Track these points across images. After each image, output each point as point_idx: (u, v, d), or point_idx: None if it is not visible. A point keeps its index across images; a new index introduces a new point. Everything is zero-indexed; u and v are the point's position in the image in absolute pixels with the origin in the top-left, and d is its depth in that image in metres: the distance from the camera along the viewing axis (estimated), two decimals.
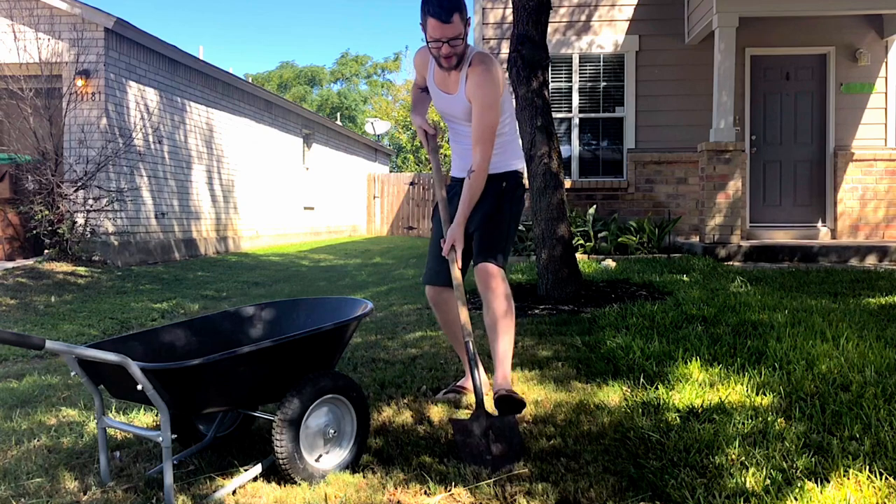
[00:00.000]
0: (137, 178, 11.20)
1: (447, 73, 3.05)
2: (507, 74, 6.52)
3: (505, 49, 9.58)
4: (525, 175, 3.35)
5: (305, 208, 18.75)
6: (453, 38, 2.86)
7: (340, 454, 2.61)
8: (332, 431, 2.58)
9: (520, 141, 3.30)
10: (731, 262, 8.10)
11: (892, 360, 3.42)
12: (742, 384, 3.20)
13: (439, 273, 3.24)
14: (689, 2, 9.68)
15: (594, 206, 9.60)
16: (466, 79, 2.98)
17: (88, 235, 9.53)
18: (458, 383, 3.42)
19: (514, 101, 5.93)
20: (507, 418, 2.70)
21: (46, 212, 8.97)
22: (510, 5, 6.32)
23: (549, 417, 3.02)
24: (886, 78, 9.68)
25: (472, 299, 5.84)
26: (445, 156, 29.67)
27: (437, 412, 3.14)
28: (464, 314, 2.94)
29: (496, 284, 3.03)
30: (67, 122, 9.87)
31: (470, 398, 3.32)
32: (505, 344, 3.02)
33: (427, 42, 2.94)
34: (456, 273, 2.99)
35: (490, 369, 3.29)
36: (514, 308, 3.09)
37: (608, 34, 10.01)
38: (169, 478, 2.27)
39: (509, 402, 2.78)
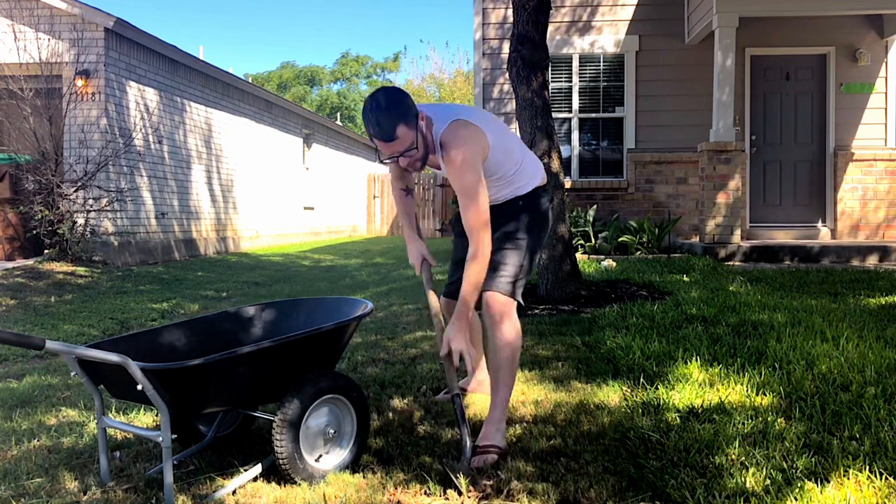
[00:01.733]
0: (137, 179, 11.20)
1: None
2: (507, 75, 6.52)
3: (505, 49, 9.59)
4: (544, 183, 2.99)
5: (305, 208, 18.75)
6: (406, 150, 2.59)
7: (340, 454, 2.61)
8: (332, 431, 2.58)
9: (529, 161, 2.97)
10: (731, 262, 8.10)
11: (892, 360, 3.42)
12: (742, 384, 3.20)
13: (452, 286, 3.15)
14: (689, 2, 9.68)
15: (594, 206, 9.60)
16: (443, 161, 2.71)
17: (88, 235, 9.53)
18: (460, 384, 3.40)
19: (513, 101, 5.93)
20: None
21: (46, 212, 8.96)
22: (511, 5, 6.32)
23: (549, 417, 3.02)
24: (886, 78, 9.69)
25: None
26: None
27: (437, 412, 3.14)
28: (451, 373, 2.73)
29: (497, 312, 2.77)
30: (67, 122, 9.87)
31: (471, 399, 3.32)
32: (502, 397, 2.78)
33: (381, 161, 2.74)
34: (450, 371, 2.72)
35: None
36: (517, 343, 2.82)
37: (608, 34, 10.01)
38: (169, 478, 2.27)
39: (481, 460, 2.58)
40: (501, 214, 2.86)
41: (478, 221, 2.63)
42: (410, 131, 2.57)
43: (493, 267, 2.78)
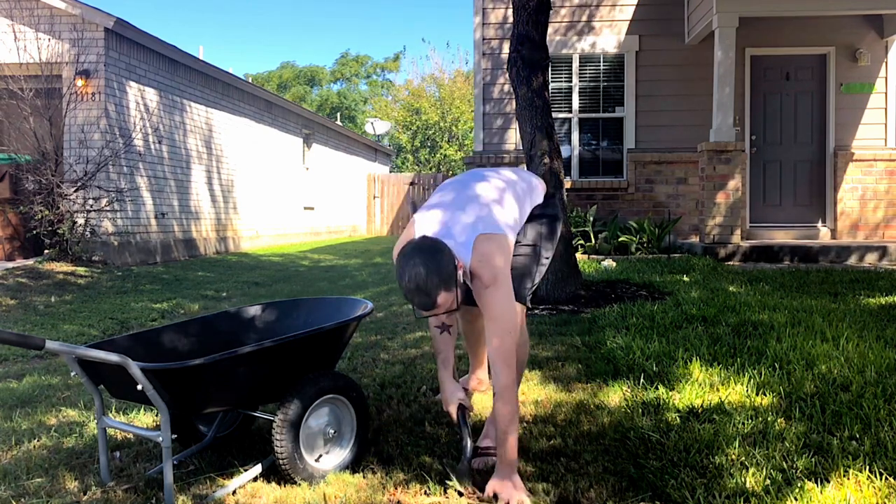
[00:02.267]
0: (137, 179, 11.20)
1: None
2: (507, 75, 6.52)
3: (506, 49, 9.58)
4: (546, 192, 2.87)
5: (305, 208, 18.75)
6: (447, 310, 2.40)
7: (340, 454, 2.61)
8: (332, 431, 2.58)
9: (535, 188, 2.87)
10: (731, 262, 8.10)
11: (892, 360, 3.42)
12: (742, 384, 3.20)
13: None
14: (689, 2, 9.68)
15: (594, 206, 9.60)
16: (472, 281, 2.51)
17: (88, 235, 9.53)
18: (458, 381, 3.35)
19: (513, 101, 5.92)
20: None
21: (46, 212, 8.96)
22: (511, 5, 6.32)
23: (550, 417, 3.02)
24: (886, 78, 9.68)
25: None
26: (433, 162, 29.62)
27: (437, 412, 3.14)
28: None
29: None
30: (67, 122, 9.87)
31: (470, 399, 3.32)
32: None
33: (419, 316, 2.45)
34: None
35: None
36: (526, 352, 2.78)
37: (608, 34, 10.01)
38: (169, 478, 2.27)
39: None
40: None
41: (507, 350, 2.42)
42: (451, 292, 2.34)
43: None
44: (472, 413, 2.85)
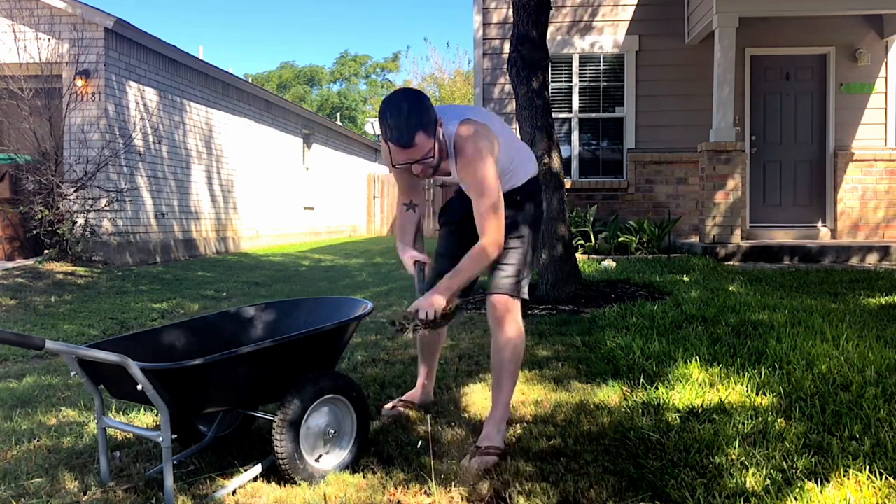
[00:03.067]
0: (137, 179, 11.21)
1: None
2: (507, 75, 6.53)
3: (506, 49, 9.59)
4: (537, 173, 2.97)
5: (305, 208, 18.75)
6: (423, 158, 2.50)
7: (340, 454, 2.61)
8: (332, 431, 2.58)
9: (523, 152, 2.97)
10: (731, 262, 8.10)
11: (892, 360, 3.42)
12: (742, 384, 3.20)
13: (431, 284, 3.08)
14: (689, 2, 9.68)
15: (594, 206, 9.60)
16: (457, 164, 2.66)
17: (88, 235, 9.53)
18: (403, 397, 3.24)
19: (513, 101, 5.92)
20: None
21: (46, 212, 8.96)
22: (511, 5, 6.32)
23: (549, 417, 3.02)
24: (886, 78, 9.69)
25: (457, 301, 5.84)
26: None
27: (437, 412, 3.14)
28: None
29: (501, 314, 2.74)
30: (67, 122, 9.87)
31: (470, 398, 3.31)
32: (503, 399, 2.77)
33: (392, 164, 2.55)
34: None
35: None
36: (523, 348, 2.83)
37: (608, 34, 10.01)
38: (169, 478, 2.27)
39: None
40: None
41: (494, 212, 2.59)
42: (429, 139, 2.48)
43: (496, 266, 2.76)
44: (428, 265, 2.91)
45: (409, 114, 2.45)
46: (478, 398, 3.31)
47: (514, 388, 2.87)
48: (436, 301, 2.55)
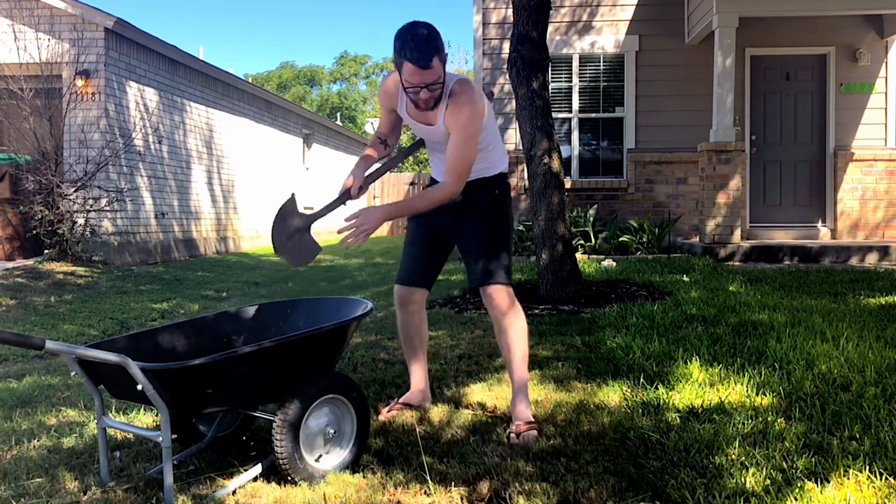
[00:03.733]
0: (137, 179, 11.21)
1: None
2: (507, 75, 6.53)
3: (506, 49, 9.58)
4: (515, 174, 3.24)
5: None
6: (432, 83, 2.67)
7: (340, 454, 2.61)
8: (332, 431, 2.58)
9: (500, 144, 3.14)
10: (731, 262, 8.10)
11: (892, 360, 3.42)
12: (742, 384, 3.20)
13: (413, 273, 3.16)
14: (689, 2, 9.68)
15: (594, 206, 9.60)
16: (446, 108, 2.80)
17: (88, 235, 9.53)
18: (400, 399, 3.24)
19: (513, 101, 5.92)
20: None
21: (46, 212, 8.96)
22: (511, 5, 6.33)
23: (550, 417, 3.02)
24: (886, 78, 9.69)
25: (458, 302, 5.84)
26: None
27: (437, 412, 3.14)
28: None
29: (503, 303, 2.92)
30: (67, 122, 9.87)
31: (471, 396, 3.31)
32: (518, 361, 2.97)
33: (403, 86, 2.71)
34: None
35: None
36: (525, 324, 3.00)
37: (608, 34, 10.01)
38: (169, 478, 2.27)
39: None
40: (478, 204, 2.96)
41: (464, 166, 2.77)
42: (441, 66, 2.66)
43: (490, 258, 2.93)
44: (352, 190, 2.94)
45: (429, 37, 2.63)
46: (478, 398, 3.31)
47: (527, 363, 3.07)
48: (374, 215, 2.72)
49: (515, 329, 2.95)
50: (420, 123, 2.94)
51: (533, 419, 2.90)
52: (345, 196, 2.92)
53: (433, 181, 3.16)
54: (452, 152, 2.78)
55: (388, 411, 3.14)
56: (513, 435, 2.78)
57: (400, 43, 2.64)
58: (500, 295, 2.92)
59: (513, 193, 8.11)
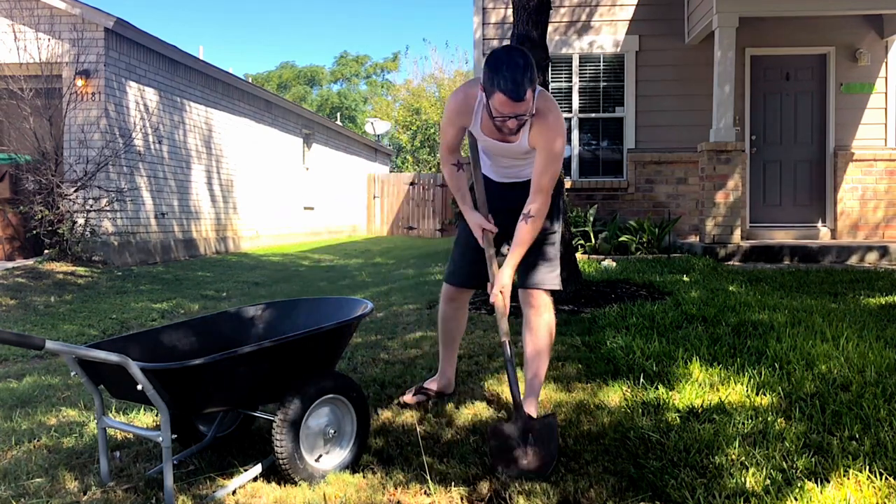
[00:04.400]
0: (137, 179, 11.21)
1: None
2: None
3: None
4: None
5: (305, 208, 18.75)
6: (523, 114, 2.60)
7: (341, 454, 2.61)
8: (332, 431, 2.58)
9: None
10: (731, 262, 8.10)
11: (892, 360, 3.42)
12: (742, 384, 3.20)
13: (467, 278, 3.19)
14: (689, 2, 9.68)
15: (594, 206, 9.60)
16: (531, 128, 2.74)
17: (88, 235, 9.53)
18: (424, 384, 3.34)
19: None
20: (548, 420, 2.65)
21: (46, 212, 8.96)
22: (511, 5, 6.32)
23: None
24: (886, 78, 9.68)
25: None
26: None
27: (437, 412, 3.14)
28: (503, 325, 2.86)
29: (548, 310, 2.99)
30: (67, 122, 9.87)
31: (469, 395, 3.32)
32: (542, 374, 3.01)
33: (490, 112, 2.62)
34: (501, 309, 2.85)
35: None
36: (553, 333, 3.05)
37: (608, 34, 10.01)
38: (169, 478, 2.27)
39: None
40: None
41: (552, 185, 2.82)
42: (533, 97, 2.60)
43: (540, 262, 2.99)
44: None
45: (525, 69, 2.53)
46: (478, 398, 3.31)
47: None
48: (505, 276, 2.83)
49: (548, 330, 3.00)
50: (496, 141, 2.86)
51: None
52: (490, 238, 2.98)
53: (485, 179, 3.11)
54: (542, 171, 2.78)
55: (413, 395, 3.25)
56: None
57: (493, 71, 2.55)
58: (541, 297, 3.00)
59: None
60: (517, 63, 2.53)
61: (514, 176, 3.02)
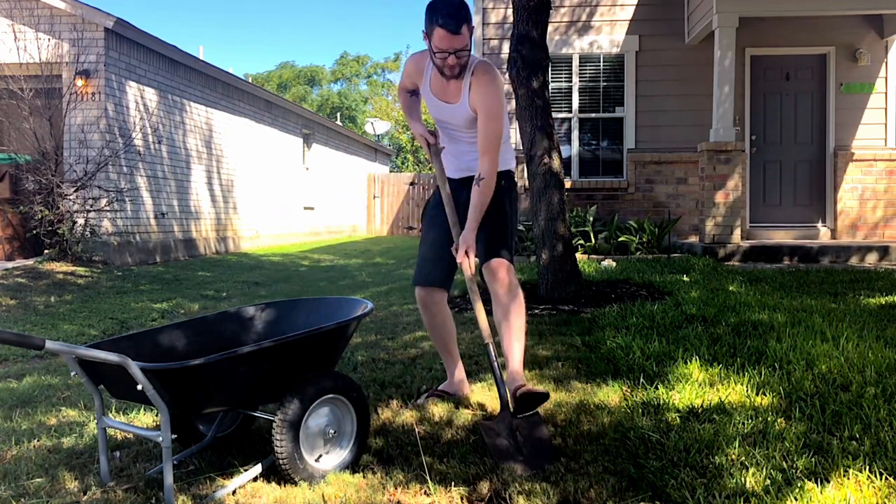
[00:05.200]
0: (137, 179, 11.21)
1: (446, 83, 3.02)
2: (506, 75, 6.53)
3: (505, 49, 9.58)
4: (517, 173, 3.39)
5: (305, 208, 18.75)
6: (460, 50, 2.85)
7: (340, 454, 2.61)
8: (332, 431, 2.58)
9: (510, 145, 3.33)
10: (730, 262, 8.10)
11: (892, 360, 3.42)
12: (742, 384, 3.20)
13: (430, 274, 3.24)
14: (689, 2, 9.68)
15: (594, 206, 9.60)
16: (470, 88, 2.98)
17: (88, 235, 9.53)
18: (439, 387, 3.38)
19: (513, 101, 5.92)
20: (531, 419, 2.75)
21: (46, 212, 8.96)
22: (511, 5, 6.33)
23: (549, 417, 3.01)
24: (886, 78, 9.69)
25: (458, 302, 5.84)
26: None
27: (437, 412, 3.14)
28: (481, 317, 2.96)
29: (505, 276, 3.06)
30: (67, 122, 9.87)
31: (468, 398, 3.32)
32: (516, 337, 3.04)
33: (433, 52, 2.90)
34: (468, 272, 2.99)
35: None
36: (524, 302, 3.11)
37: (608, 34, 10.01)
38: (169, 478, 2.27)
39: (530, 398, 2.80)
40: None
41: (494, 143, 2.97)
42: (469, 34, 2.86)
43: (494, 240, 3.10)
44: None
45: (459, 6, 2.84)
46: (478, 398, 3.31)
47: (524, 337, 3.15)
48: (468, 236, 2.96)
49: (518, 302, 3.06)
50: (442, 102, 3.08)
51: (526, 387, 2.90)
52: (435, 145, 3.19)
53: (451, 180, 3.24)
54: (483, 130, 2.95)
55: (427, 397, 3.28)
56: (514, 394, 2.84)
57: (430, 10, 2.84)
58: (502, 269, 3.06)
59: None
60: (453, 1, 2.83)
61: (467, 168, 3.16)
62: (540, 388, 2.94)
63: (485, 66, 3.00)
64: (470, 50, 2.90)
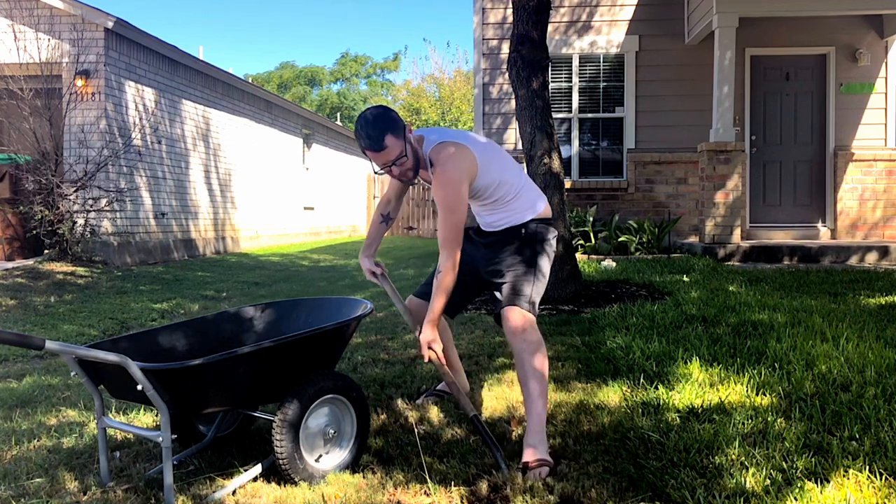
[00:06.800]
0: (137, 179, 11.20)
1: (427, 172, 2.83)
2: (507, 75, 6.53)
3: (505, 49, 9.58)
4: (549, 216, 3.00)
5: (305, 208, 18.75)
6: (397, 159, 2.67)
7: (340, 454, 2.61)
8: (332, 431, 2.58)
9: (529, 191, 2.98)
10: (730, 262, 8.09)
11: (892, 360, 3.42)
12: (742, 384, 3.20)
13: (424, 292, 3.11)
14: (689, 2, 9.68)
15: (594, 206, 9.60)
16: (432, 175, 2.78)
17: (88, 235, 9.53)
18: (438, 387, 3.39)
19: (513, 101, 5.91)
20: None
21: (46, 212, 8.96)
22: (511, 5, 6.32)
23: (550, 417, 3.01)
24: (886, 78, 9.68)
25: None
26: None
27: (437, 412, 3.14)
28: (461, 398, 2.76)
29: (517, 324, 2.71)
30: (67, 122, 9.87)
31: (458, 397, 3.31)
32: (532, 399, 2.67)
33: (375, 172, 2.80)
34: (438, 364, 2.77)
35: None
36: (545, 354, 2.74)
37: (608, 34, 10.00)
38: (169, 478, 2.27)
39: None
40: (505, 242, 2.90)
41: (451, 235, 2.71)
42: (398, 141, 2.67)
43: (512, 289, 2.79)
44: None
45: (374, 120, 2.67)
46: (478, 398, 3.31)
47: (547, 398, 2.77)
48: (427, 334, 2.74)
49: (531, 350, 2.69)
50: (424, 181, 2.97)
51: (545, 458, 2.55)
52: (385, 278, 3.18)
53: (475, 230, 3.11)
54: (440, 223, 2.74)
55: (426, 397, 3.29)
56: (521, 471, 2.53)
57: (356, 135, 2.73)
58: (513, 315, 2.72)
59: None
60: (366, 117, 2.68)
61: (486, 224, 3.01)
62: (546, 468, 2.52)
63: (435, 156, 2.73)
64: (405, 153, 2.68)
